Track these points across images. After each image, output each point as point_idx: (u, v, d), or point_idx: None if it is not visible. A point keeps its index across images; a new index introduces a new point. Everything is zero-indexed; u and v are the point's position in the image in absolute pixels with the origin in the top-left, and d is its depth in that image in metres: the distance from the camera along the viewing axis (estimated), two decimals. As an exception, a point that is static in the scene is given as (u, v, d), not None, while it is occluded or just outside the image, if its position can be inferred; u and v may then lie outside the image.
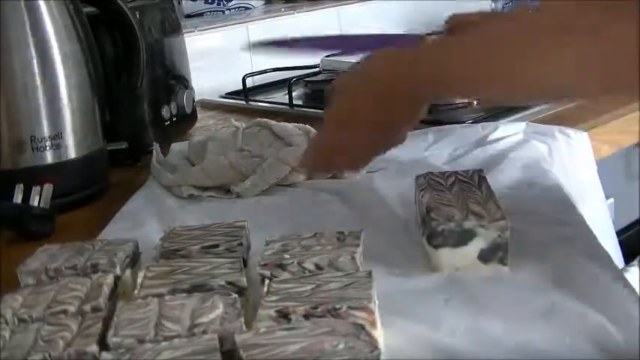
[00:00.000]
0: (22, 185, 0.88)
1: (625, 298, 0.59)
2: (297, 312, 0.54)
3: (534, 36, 0.58)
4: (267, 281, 0.59)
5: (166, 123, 1.15)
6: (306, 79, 1.44)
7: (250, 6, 1.84)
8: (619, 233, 1.14)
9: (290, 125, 1.02)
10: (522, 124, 1.09)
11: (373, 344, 0.49)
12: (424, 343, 0.56)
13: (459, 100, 1.11)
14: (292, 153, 0.92)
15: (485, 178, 0.75)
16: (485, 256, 0.66)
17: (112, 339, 0.52)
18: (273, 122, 1.03)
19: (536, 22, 0.60)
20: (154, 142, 1.03)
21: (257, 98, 1.46)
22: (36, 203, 0.87)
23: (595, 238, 0.70)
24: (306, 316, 0.54)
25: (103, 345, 0.52)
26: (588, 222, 0.76)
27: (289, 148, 0.94)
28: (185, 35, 1.26)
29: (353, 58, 1.52)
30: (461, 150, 0.98)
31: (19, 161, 0.91)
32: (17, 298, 0.59)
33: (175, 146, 1.08)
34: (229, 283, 0.59)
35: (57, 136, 0.92)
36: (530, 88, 0.62)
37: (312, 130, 1.00)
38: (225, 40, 1.62)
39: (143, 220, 0.84)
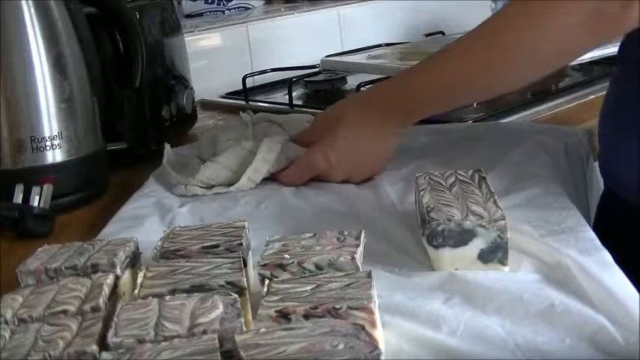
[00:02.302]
0: (22, 185, 0.88)
1: (625, 298, 0.59)
2: (297, 312, 0.54)
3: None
4: (267, 281, 0.59)
5: (166, 123, 1.15)
6: (306, 79, 1.44)
7: (250, 6, 1.84)
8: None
9: (297, 117, 1.02)
10: (522, 124, 1.09)
11: (373, 344, 0.49)
12: (424, 343, 0.56)
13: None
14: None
15: (485, 178, 0.75)
16: (485, 256, 0.66)
17: (112, 339, 0.52)
18: (279, 116, 1.03)
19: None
20: (165, 143, 1.03)
21: (257, 98, 1.46)
22: (36, 203, 0.87)
23: (595, 238, 0.70)
24: (306, 316, 0.54)
25: (103, 345, 0.52)
26: (588, 222, 0.76)
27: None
28: (185, 35, 1.26)
29: (353, 58, 1.52)
30: (461, 149, 0.98)
31: (19, 161, 0.91)
32: (17, 298, 0.59)
33: (181, 149, 1.07)
34: (229, 283, 0.59)
35: (57, 136, 0.92)
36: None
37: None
38: (225, 40, 1.62)
39: (143, 220, 0.84)
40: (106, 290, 0.60)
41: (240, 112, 1.08)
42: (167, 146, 1.02)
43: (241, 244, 0.66)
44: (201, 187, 0.92)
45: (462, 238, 0.66)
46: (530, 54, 0.80)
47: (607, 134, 0.93)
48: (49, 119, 0.92)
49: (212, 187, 0.92)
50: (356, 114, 0.92)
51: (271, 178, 0.94)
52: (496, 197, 0.71)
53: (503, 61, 0.82)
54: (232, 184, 0.92)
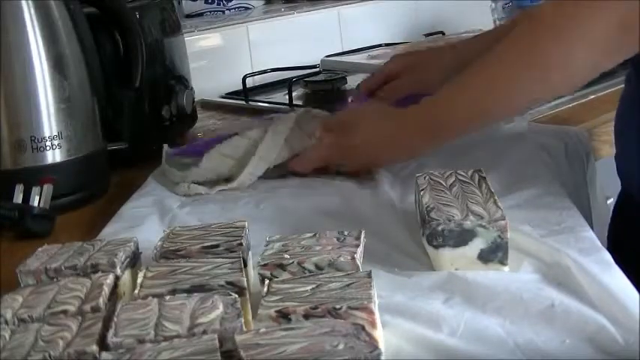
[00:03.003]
0: (22, 185, 0.88)
1: (625, 298, 0.59)
2: (297, 312, 0.54)
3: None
4: (267, 281, 0.59)
5: (166, 123, 1.15)
6: (306, 79, 1.44)
7: (250, 6, 1.84)
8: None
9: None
10: (523, 124, 1.09)
11: (373, 344, 0.49)
12: (424, 343, 0.56)
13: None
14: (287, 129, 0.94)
15: (485, 178, 0.75)
16: (485, 256, 0.66)
17: (112, 339, 0.52)
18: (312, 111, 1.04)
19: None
20: (163, 144, 1.03)
21: (257, 98, 1.46)
22: (36, 203, 0.87)
23: (595, 238, 0.70)
24: (306, 316, 0.54)
25: (103, 345, 0.52)
26: (588, 222, 0.76)
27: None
28: (185, 35, 1.26)
29: (353, 58, 1.52)
30: (461, 149, 0.98)
31: (19, 161, 0.91)
32: (17, 298, 0.59)
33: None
34: (229, 283, 0.59)
35: (57, 136, 0.92)
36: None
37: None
38: (225, 40, 1.62)
39: (143, 220, 0.84)
40: (106, 290, 0.60)
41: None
42: (165, 147, 1.02)
43: (241, 244, 0.66)
44: (203, 185, 0.92)
45: (462, 238, 0.66)
46: (559, 70, 0.78)
47: (621, 133, 0.93)
48: (49, 119, 0.92)
49: (214, 186, 0.92)
50: (381, 134, 0.91)
51: (271, 177, 0.94)
52: (496, 197, 0.71)
53: (530, 80, 0.80)
54: (234, 178, 0.92)
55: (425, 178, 0.77)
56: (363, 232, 0.66)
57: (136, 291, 0.60)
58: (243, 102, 1.43)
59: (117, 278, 0.63)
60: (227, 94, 1.50)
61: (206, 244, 0.66)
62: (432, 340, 0.56)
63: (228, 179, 0.93)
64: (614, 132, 0.94)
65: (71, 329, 0.54)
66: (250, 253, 0.69)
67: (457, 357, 0.54)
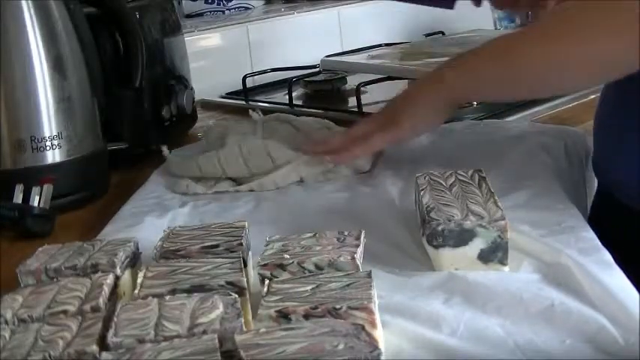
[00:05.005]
0: (22, 185, 0.88)
1: (625, 298, 0.59)
2: (297, 312, 0.54)
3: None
4: (267, 281, 0.59)
5: (166, 123, 1.15)
6: (306, 79, 1.44)
7: (250, 6, 1.84)
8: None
9: (310, 119, 1.03)
10: (523, 124, 1.09)
11: (373, 344, 0.49)
12: (424, 343, 0.56)
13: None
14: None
15: (485, 178, 0.75)
16: (485, 256, 0.66)
17: (112, 339, 0.52)
18: (292, 116, 1.04)
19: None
20: (161, 145, 1.03)
21: (257, 98, 1.47)
22: (36, 203, 0.87)
23: (594, 237, 0.70)
24: (306, 316, 0.54)
25: (103, 345, 0.52)
26: (587, 222, 0.76)
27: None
28: (185, 35, 1.26)
29: (353, 58, 1.52)
30: (461, 149, 0.98)
31: (19, 161, 0.91)
32: (17, 298, 0.59)
33: (183, 149, 1.08)
34: (229, 283, 0.59)
35: (57, 136, 0.92)
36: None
37: (332, 124, 1.02)
38: (225, 40, 1.62)
39: (143, 220, 0.84)
40: (106, 290, 0.60)
41: (250, 111, 1.09)
42: (164, 148, 1.02)
43: (241, 244, 0.66)
44: (201, 184, 0.92)
45: (462, 238, 0.66)
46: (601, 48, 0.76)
47: (599, 132, 0.93)
48: (49, 119, 0.92)
49: (214, 185, 0.92)
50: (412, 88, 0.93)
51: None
52: (496, 197, 0.71)
53: (556, 65, 0.78)
54: (243, 182, 0.92)
55: (425, 178, 0.77)
56: (363, 232, 0.66)
57: (136, 291, 0.60)
58: (243, 102, 1.43)
59: (117, 278, 0.63)
60: (227, 94, 1.50)
61: (206, 244, 0.66)
62: (432, 340, 0.56)
63: (235, 180, 0.93)
64: (593, 132, 0.95)
65: (71, 329, 0.54)
66: (250, 253, 0.69)
67: (457, 357, 0.54)
